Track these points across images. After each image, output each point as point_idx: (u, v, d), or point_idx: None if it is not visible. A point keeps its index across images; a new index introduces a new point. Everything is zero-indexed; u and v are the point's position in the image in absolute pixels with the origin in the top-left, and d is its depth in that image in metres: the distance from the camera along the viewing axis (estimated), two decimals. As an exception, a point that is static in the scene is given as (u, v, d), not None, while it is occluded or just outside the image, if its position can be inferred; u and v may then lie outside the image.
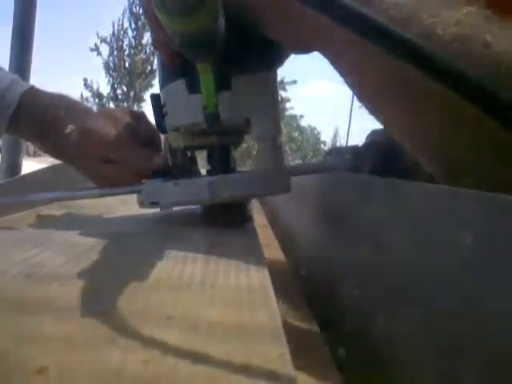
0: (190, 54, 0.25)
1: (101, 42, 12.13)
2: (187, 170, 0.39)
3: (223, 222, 0.40)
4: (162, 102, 0.35)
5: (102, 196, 0.42)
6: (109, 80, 12.54)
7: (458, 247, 0.16)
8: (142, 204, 0.37)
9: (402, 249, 0.21)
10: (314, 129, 19.22)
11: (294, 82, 14.56)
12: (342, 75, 0.28)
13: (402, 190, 0.23)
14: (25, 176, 0.67)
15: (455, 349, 0.16)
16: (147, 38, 12.26)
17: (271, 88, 0.33)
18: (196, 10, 0.19)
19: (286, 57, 0.35)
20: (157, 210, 0.48)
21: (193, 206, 0.46)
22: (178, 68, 0.32)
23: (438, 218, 0.18)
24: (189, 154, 0.40)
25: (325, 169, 0.40)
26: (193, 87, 0.31)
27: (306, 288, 0.36)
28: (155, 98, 0.36)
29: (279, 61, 0.34)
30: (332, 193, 0.38)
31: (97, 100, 12.70)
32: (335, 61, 0.28)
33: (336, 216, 0.35)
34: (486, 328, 0.14)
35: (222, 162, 0.37)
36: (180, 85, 0.32)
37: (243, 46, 0.31)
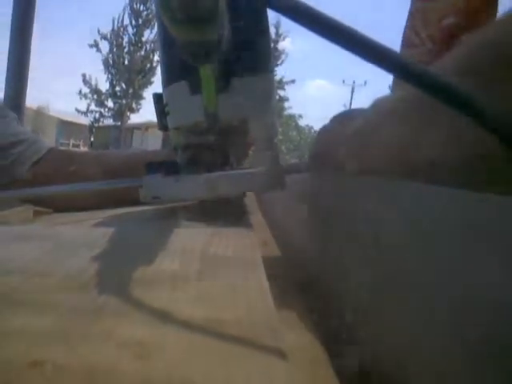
0: (193, 58, 0.26)
1: (101, 38, 12.09)
2: (188, 166, 0.39)
3: (219, 217, 0.41)
4: (165, 102, 0.37)
5: (101, 190, 0.42)
6: (108, 77, 12.51)
7: (458, 247, 0.16)
8: (143, 198, 0.37)
9: (400, 248, 0.21)
10: (312, 128, 19.24)
11: (293, 81, 14.59)
12: None
13: (394, 188, 0.23)
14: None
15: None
16: (147, 35, 12.25)
17: (269, 89, 0.35)
18: (206, 21, 0.20)
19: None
20: (152, 206, 0.49)
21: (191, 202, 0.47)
22: (180, 69, 0.33)
23: (438, 219, 0.18)
24: (190, 151, 0.41)
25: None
26: (195, 88, 0.33)
27: (302, 286, 0.36)
28: (158, 98, 0.37)
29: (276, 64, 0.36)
30: (325, 191, 0.39)
31: (95, 96, 12.67)
32: None
33: (330, 214, 0.36)
34: (486, 332, 0.14)
35: (220, 160, 0.38)
36: (182, 86, 0.33)
37: (243, 48, 0.32)
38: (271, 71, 0.35)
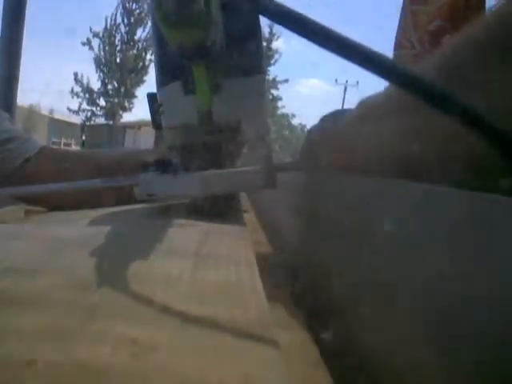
0: (187, 59, 0.27)
1: (93, 36, 12.01)
2: (183, 164, 0.40)
3: (213, 216, 0.42)
4: (159, 102, 0.37)
5: (95, 189, 0.42)
6: (99, 75, 12.43)
7: (457, 247, 0.16)
8: (139, 196, 0.37)
9: (388, 247, 0.21)
10: (304, 126, 19.25)
11: (286, 80, 14.63)
12: None
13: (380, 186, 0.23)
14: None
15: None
16: (139, 33, 12.20)
17: (261, 90, 0.36)
18: (200, 23, 0.20)
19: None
20: (146, 204, 0.49)
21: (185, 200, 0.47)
22: (174, 70, 0.34)
23: (437, 219, 0.18)
24: (184, 150, 0.41)
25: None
26: (188, 89, 0.33)
27: (295, 285, 0.36)
28: (152, 97, 0.38)
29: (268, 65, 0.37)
30: (314, 189, 0.39)
31: (87, 95, 12.58)
32: None
33: (318, 210, 0.36)
34: (486, 332, 0.14)
35: (214, 159, 0.39)
36: (176, 86, 0.34)
37: (236, 49, 0.33)
38: (263, 72, 0.36)
